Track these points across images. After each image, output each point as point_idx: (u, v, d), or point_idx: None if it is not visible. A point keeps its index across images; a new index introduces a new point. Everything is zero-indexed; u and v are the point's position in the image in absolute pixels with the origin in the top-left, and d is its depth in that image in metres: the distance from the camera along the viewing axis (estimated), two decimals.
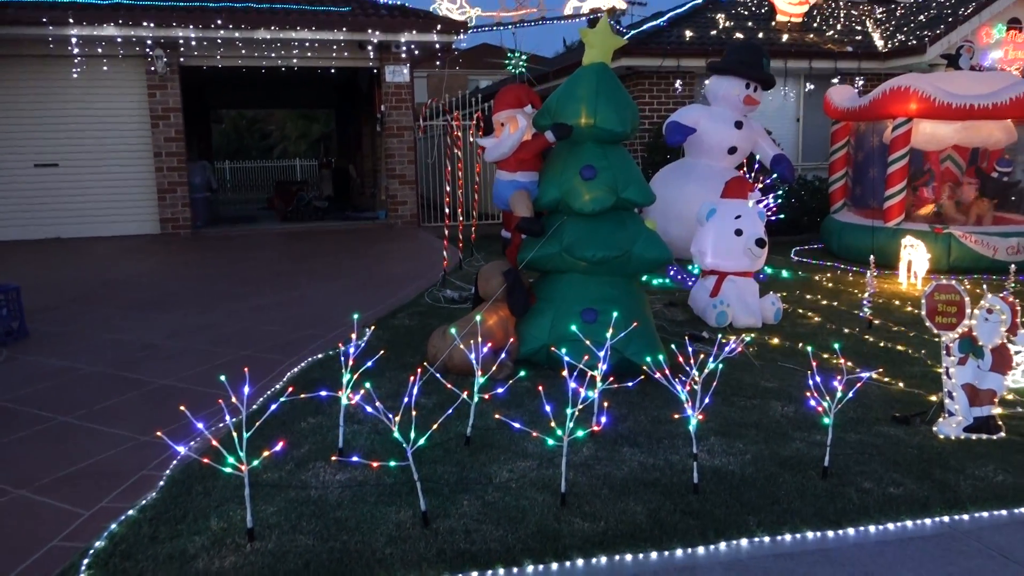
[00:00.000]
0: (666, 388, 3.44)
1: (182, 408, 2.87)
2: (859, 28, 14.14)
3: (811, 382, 3.55)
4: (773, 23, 13.70)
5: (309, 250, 10.88)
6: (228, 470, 2.83)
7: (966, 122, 8.93)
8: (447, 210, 8.27)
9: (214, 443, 2.94)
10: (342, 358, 3.57)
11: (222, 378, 2.95)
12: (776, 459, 3.64)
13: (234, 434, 2.85)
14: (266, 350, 5.54)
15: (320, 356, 5.28)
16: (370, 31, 11.71)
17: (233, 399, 2.81)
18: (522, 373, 4.26)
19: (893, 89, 9.03)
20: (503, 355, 4.36)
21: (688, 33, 12.75)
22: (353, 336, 3.64)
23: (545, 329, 4.73)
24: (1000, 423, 4.05)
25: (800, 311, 6.97)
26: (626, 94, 4.85)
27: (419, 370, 3.35)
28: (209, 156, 19.89)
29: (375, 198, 15.74)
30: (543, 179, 4.99)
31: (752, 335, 6.00)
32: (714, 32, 13.03)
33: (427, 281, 7.88)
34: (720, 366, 3.48)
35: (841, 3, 15.20)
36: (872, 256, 7.14)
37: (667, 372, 3.39)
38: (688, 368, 3.45)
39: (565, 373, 3.32)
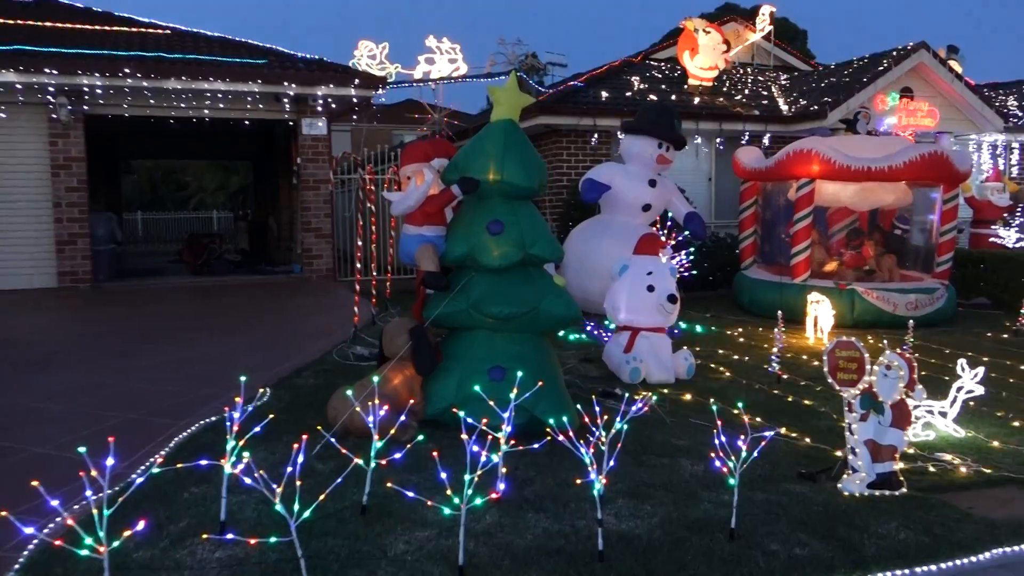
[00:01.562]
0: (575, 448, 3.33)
1: (35, 483, 2.58)
2: (765, 93, 14.81)
3: (716, 441, 3.50)
4: (685, 86, 14.21)
5: (216, 305, 10.46)
6: (85, 552, 2.54)
7: (864, 183, 9.35)
8: (358, 265, 8.07)
9: (70, 522, 2.65)
10: (227, 423, 3.32)
11: (81, 450, 2.68)
12: (684, 521, 3.55)
13: (94, 511, 2.57)
14: (157, 413, 5.19)
15: (214, 419, 4.96)
16: (286, 84, 11.57)
17: (93, 472, 2.54)
18: (420, 437, 4.07)
19: (796, 151, 9.40)
20: (404, 417, 4.17)
21: (604, 93, 13.09)
22: (238, 400, 3.41)
23: (452, 388, 4.57)
24: (902, 479, 4.08)
25: (712, 366, 7.02)
26: (534, 151, 4.84)
27: (304, 437, 3.11)
28: (118, 207, 19.15)
29: (292, 251, 15.38)
30: (451, 234, 4.90)
31: (664, 391, 5.99)
32: (629, 93, 13.42)
33: (337, 337, 7.63)
34: (626, 427, 3.39)
35: (748, 70, 15.94)
36: (780, 312, 7.28)
37: (571, 434, 3.27)
38: (595, 429, 3.35)
39: (465, 436, 3.16)
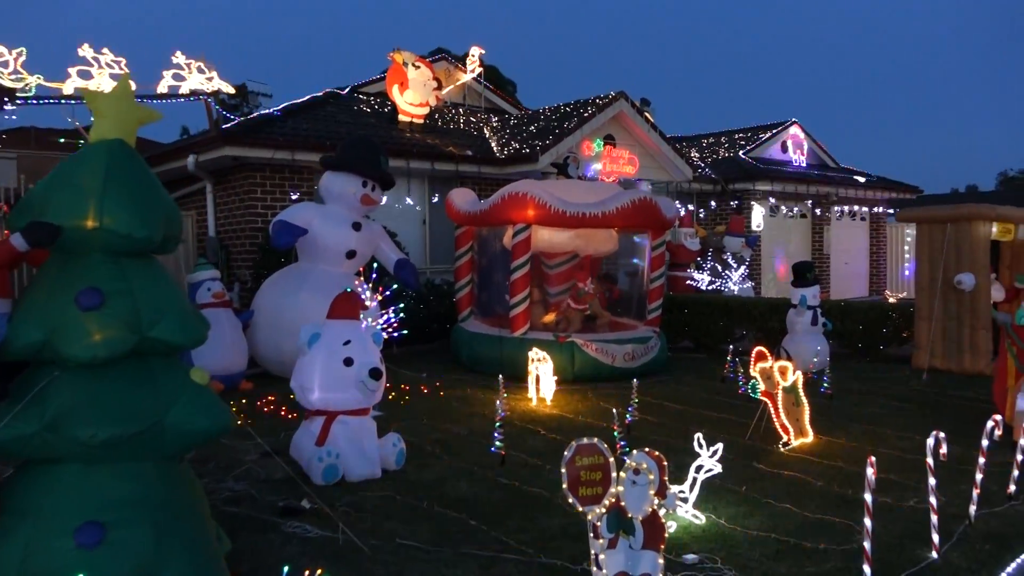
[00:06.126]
0: None
1: None
2: (476, 134, 14.36)
3: None
4: (396, 123, 13.26)
5: None
6: None
7: (579, 230, 8.94)
8: None
9: None
10: None
11: None
12: None
13: None
14: None
15: None
16: None
17: None
18: None
19: (511, 194, 8.74)
20: None
21: (304, 125, 11.64)
22: None
23: (13, 562, 2.85)
24: None
25: (428, 448, 5.89)
26: (156, 184, 3.31)
27: None
28: None
29: None
30: (20, 309, 3.17)
31: (352, 499, 4.71)
32: (334, 127, 12.11)
33: None
34: None
35: (460, 110, 15.47)
36: (500, 376, 6.37)
37: None
38: None
39: None
